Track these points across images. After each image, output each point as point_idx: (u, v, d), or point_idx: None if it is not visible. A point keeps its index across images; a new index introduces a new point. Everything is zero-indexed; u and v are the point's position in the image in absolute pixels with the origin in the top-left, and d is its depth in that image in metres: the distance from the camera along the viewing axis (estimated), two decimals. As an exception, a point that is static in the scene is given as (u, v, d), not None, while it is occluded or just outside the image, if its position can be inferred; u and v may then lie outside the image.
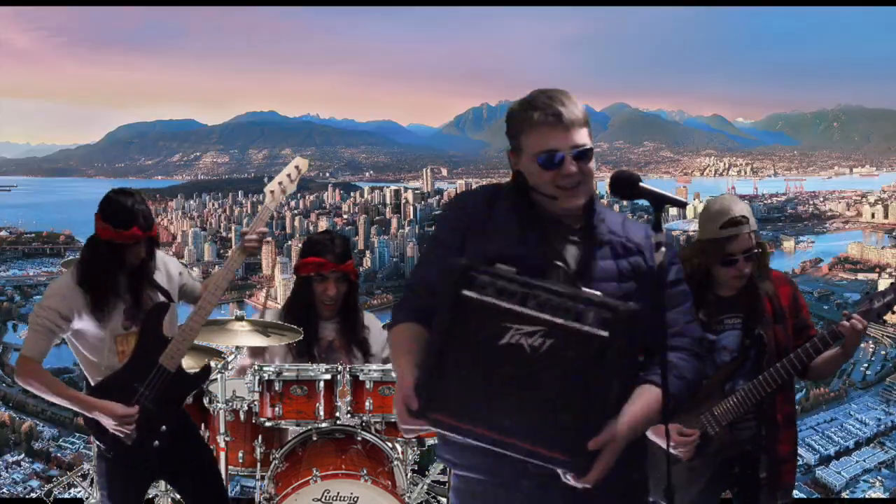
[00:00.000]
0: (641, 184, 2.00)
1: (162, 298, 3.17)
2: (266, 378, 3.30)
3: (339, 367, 3.32)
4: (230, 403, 3.47)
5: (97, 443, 3.14)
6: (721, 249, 2.90)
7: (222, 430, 3.45)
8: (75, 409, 3.05)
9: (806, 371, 2.98)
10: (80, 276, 3.08)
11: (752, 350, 2.96)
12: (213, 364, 3.57)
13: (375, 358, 3.76)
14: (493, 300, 1.75)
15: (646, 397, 1.95)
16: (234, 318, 3.61)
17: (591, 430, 1.76)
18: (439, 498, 3.77)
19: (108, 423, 3.02)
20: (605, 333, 1.71)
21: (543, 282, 1.78)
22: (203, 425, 3.63)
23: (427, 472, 3.64)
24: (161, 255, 3.26)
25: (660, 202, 2.00)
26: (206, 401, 3.56)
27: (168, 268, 3.27)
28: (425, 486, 3.54)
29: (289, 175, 3.30)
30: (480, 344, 1.75)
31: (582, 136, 2.01)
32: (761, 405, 2.94)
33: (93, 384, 3.13)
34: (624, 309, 1.73)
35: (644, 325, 1.92)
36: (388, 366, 3.45)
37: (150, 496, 3.81)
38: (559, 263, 1.97)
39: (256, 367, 3.35)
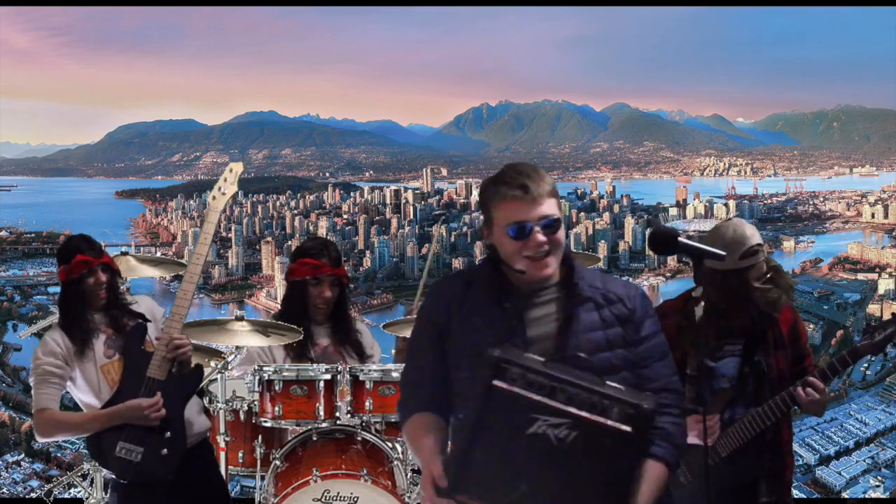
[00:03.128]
0: (680, 239, 2.09)
1: (137, 320, 3.25)
2: (266, 378, 3.29)
3: (339, 368, 3.32)
4: (230, 403, 3.47)
5: (106, 472, 3.18)
6: (741, 280, 2.86)
7: (222, 430, 3.45)
8: (104, 424, 3.08)
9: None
10: (63, 323, 3.21)
11: (750, 377, 2.94)
12: (213, 364, 3.56)
13: (368, 361, 3.76)
14: (523, 391, 1.85)
15: (653, 475, 2.03)
16: (234, 318, 3.61)
17: None
18: None
19: (140, 418, 3.06)
20: (628, 428, 1.82)
21: (570, 375, 1.89)
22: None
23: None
24: (148, 302, 3.41)
25: (699, 256, 2.10)
26: (206, 401, 3.56)
27: (153, 311, 3.38)
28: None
29: (225, 179, 3.39)
30: (509, 432, 1.86)
31: (549, 208, 2.11)
32: (761, 431, 2.93)
33: None
34: (647, 406, 1.85)
35: (632, 372, 2.09)
36: (389, 366, 3.45)
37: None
38: (581, 355, 2.04)
39: (256, 367, 3.35)
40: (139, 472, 3.08)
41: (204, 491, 3.30)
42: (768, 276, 2.91)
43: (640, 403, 1.83)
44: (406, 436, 2.25)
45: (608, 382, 1.90)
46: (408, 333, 3.78)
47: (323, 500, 3.15)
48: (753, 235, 2.90)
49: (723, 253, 2.16)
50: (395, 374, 3.30)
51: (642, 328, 2.15)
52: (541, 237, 2.09)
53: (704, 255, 2.10)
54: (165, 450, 3.09)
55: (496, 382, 1.87)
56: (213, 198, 3.36)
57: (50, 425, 3.09)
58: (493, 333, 2.10)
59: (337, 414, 3.29)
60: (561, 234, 2.13)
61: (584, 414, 1.83)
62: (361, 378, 3.30)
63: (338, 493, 3.15)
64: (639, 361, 2.12)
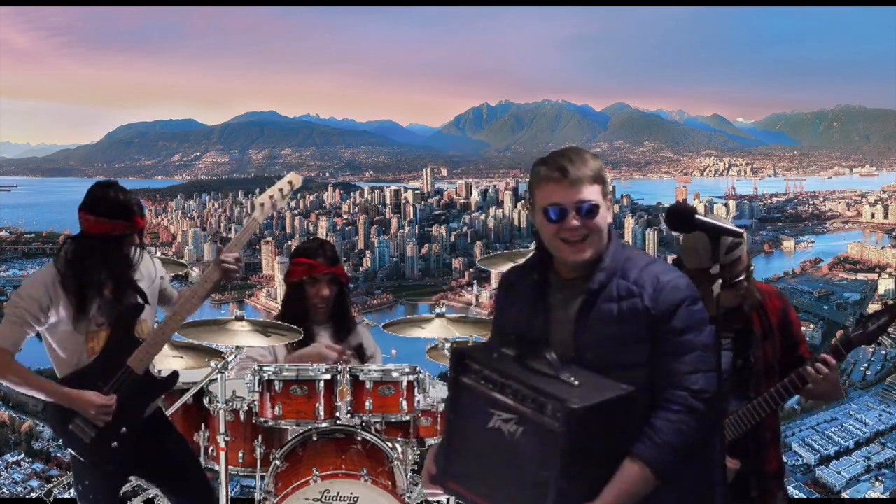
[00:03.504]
0: (697, 216, 2.08)
1: (138, 300, 3.15)
2: (266, 378, 3.29)
3: (339, 368, 3.32)
4: (230, 403, 3.47)
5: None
6: (727, 273, 2.81)
7: (222, 430, 3.44)
8: (52, 399, 3.03)
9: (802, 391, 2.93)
10: (64, 273, 3.04)
11: (742, 371, 2.93)
12: (213, 364, 3.56)
13: (368, 363, 3.78)
14: (480, 387, 1.96)
15: (624, 475, 2.01)
16: (234, 318, 3.61)
17: None
18: (439, 498, 3.76)
19: (87, 414, 3.01)
20: (555, 425, 1.86)
21: (526, 370, 1.95)
22: (203, 425, 3.62)
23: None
24: (150, 267, 3.27)
25: (716, 234, 2.09)
26: (206, 401, 3.55)
27: (148, 269, 3.25)
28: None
29: (281, 189, 3.29)
30: (474, 426, 1.97)
31: (588, 193, 2.10)
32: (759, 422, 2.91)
33: (59, 378, 3.11)
34: (578, 407, 1.85)
35: (648, 370, 2.06)
36: (388, 366, 3.45)
37: (151, 496, 3.81)
38: (549, 356, 2.04)
39: (256, 367, 3.35)
40: (84, 452, 3.07)
41: (167, 451, 3.29)
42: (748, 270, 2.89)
43: (571, 405, 1.84)
44: None
45: (565, 378, 1.93)
46: (407, 334, 3.80)
47: (323, 500, 3.15)
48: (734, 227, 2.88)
49: (741, 230, 2.16)
50: (395, 374, 3.31)
51: (665, 324, 2.06)
52: (575, 222, 2.08)
53: (721, 233, 2.09)
54: (116, 443, 3.07)
55: (461, 378, 1.99)
56: (262, 204, 3.26)
57: (4, 368, 3.00)
58: (523, 322, 2.16)
59: (337, 414, 3.30)
60: (599, 219, 2.11)
61: (525, 410, 1.90)
62: (361, 378, 3.30)
63: (338, 493, 3.15)
64: (657, 357, 2.06)
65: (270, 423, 3.31)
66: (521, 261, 3.85)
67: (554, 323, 2.15)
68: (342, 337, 3.76)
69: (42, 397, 3.04)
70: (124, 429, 3.07)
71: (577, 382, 1.93)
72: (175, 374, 3.28)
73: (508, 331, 2.18)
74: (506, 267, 3.97)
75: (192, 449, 3.48)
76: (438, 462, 2.05)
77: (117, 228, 3.02)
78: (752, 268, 2.94)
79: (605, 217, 2.13)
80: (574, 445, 1.85)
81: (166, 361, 3.76)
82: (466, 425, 1.97)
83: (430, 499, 3.71)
